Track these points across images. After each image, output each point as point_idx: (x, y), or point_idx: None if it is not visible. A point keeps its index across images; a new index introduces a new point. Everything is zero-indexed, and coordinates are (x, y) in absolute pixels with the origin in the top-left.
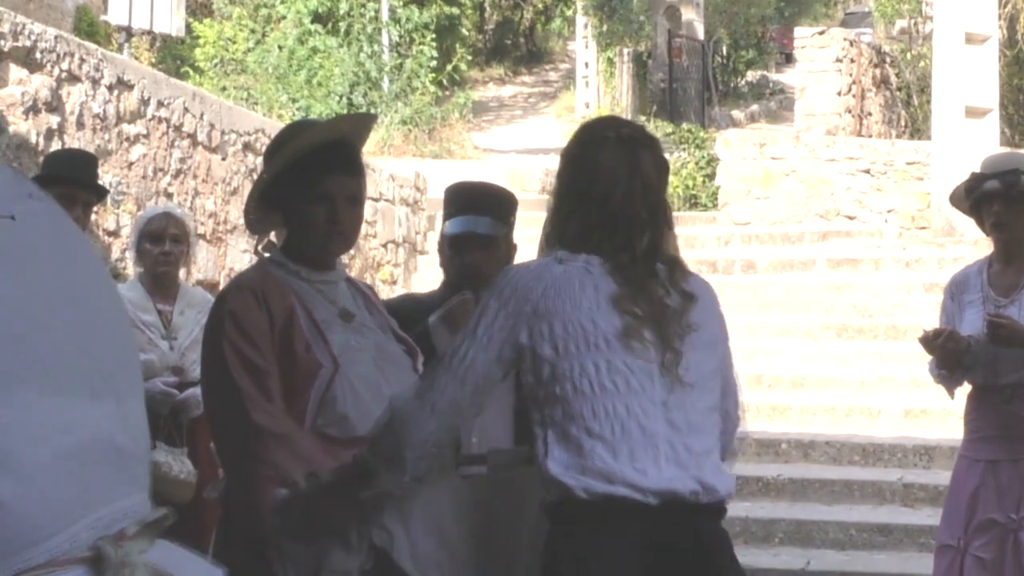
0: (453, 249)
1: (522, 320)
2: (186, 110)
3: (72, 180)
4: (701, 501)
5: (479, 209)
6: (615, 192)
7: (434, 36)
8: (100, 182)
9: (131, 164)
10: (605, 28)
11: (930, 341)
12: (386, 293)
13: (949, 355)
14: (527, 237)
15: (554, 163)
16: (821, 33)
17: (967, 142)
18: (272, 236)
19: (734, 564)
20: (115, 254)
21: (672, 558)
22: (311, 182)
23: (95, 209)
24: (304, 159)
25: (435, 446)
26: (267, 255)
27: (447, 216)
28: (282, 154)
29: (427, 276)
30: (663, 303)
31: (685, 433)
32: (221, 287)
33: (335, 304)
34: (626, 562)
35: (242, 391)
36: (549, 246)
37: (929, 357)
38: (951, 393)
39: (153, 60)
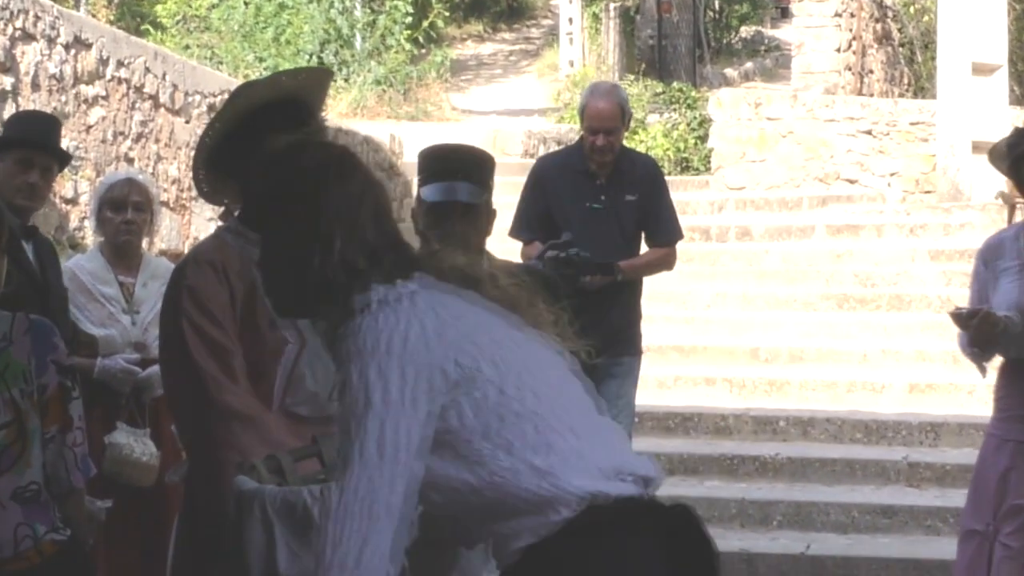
0: (431, 216)
1: (438, 356)
2: (147, 70)
3: (29, 143)
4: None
5: (458, 174)
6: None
7: None
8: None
9: (89, 127)
10: None
11: (964, 320)
12: None
13: (983, 336)
14: (507, 203)
15: (537, 124)
16: None
17: (974, 101)
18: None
19: None
20: (73, 223)
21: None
22: (257, 144)
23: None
24: (248, 121)
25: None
26: (222, 224)
27: (423, 182)
28: (221, 117)
29: None
30: (519, 295)
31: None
32: None
33: None
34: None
35: (205, 372)
36: (356, 288)
37: (951, 329)
38: (983, 371)
39: (112, 17)
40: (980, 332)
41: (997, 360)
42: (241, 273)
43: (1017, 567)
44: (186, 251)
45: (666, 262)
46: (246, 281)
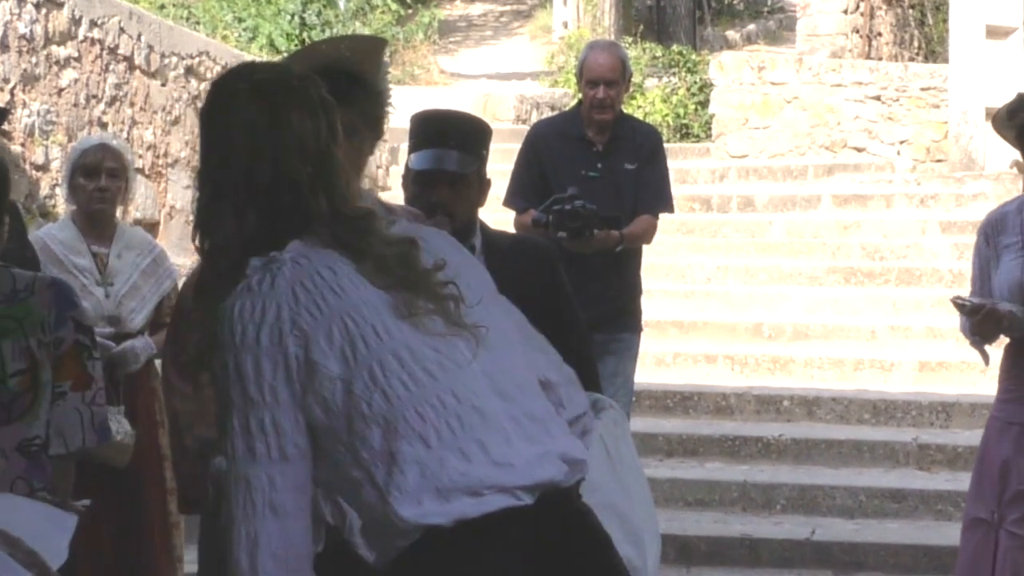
0: (418, 185)
1: (290, 344)
2: (122, 30)
3: None
4: (572, 480)
5: (447, 142)
6: (260, 159)
7: None
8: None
9: (61, 90)
10: None
11: (966, 313)
12: None
13: (985, 330)
14: (498, 171)
15: (530, 88)
16: None
17: (988, 65)
18: None
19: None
20: (44, 190)
21: (562, 563)
22: None
23: (21, 141)
24: None
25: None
26: None
27: (412, 148)
28: None
29: None
30: (405, 261)
31: (520, 400)
32: (162, 227)
33: None
34: None
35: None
36: (223, 256)
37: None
38: (985, 358)
39: None
40: (983, 328)
41: (1003, 340)
42: None
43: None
44: (162, 220)
45: (645, 235)
46: None
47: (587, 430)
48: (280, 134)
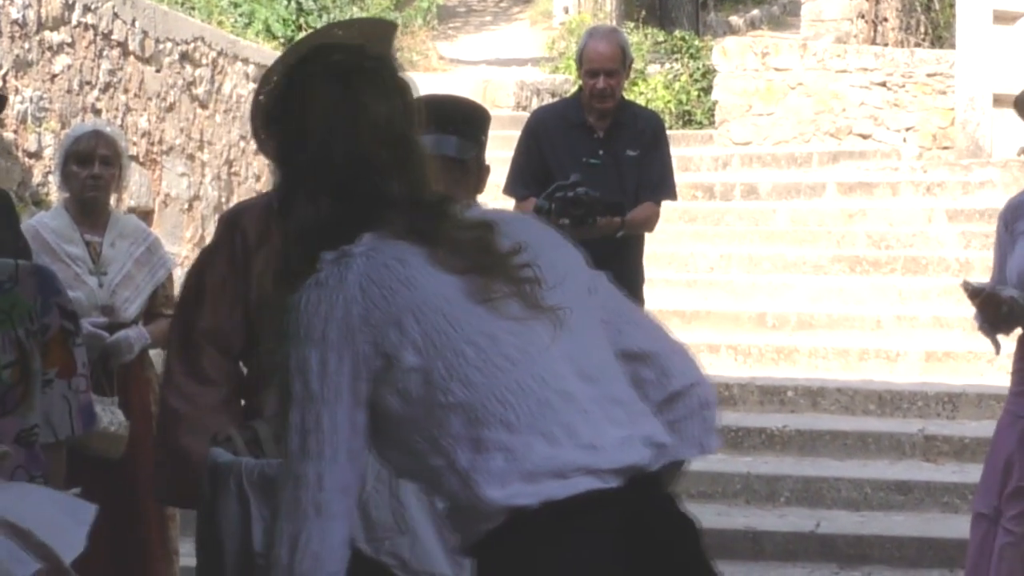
0: None
1: (360, 341)
2: (116, 15)
3: None
4: (657, 464)
5: (445, 127)
6: (336, 141)
7: None
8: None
9: (54, 76)
10: None
11: (969, 296)
12: None
13: (988, 316)
14: (497, 158)
15: (530, 75)
16: None
17: (996, 51)
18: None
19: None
20: (36, 178)
21: (649, 547)
22: None
23: (14, 128)
24: None
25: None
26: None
27: None
28: (271, 76)
29: None
30: (481, 246)
31: (603, 382)
32: (156, 215)
33: None
34: (604, 566)
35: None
36: (298, 246)
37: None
38: (996, 347)
39: None
40: (984, 312)
41: (1018, 332)
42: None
43: (1019, 554)
44: (156, 208)
45: (647, 222)
46: None
47: (706, 402)
48: (356, 116)
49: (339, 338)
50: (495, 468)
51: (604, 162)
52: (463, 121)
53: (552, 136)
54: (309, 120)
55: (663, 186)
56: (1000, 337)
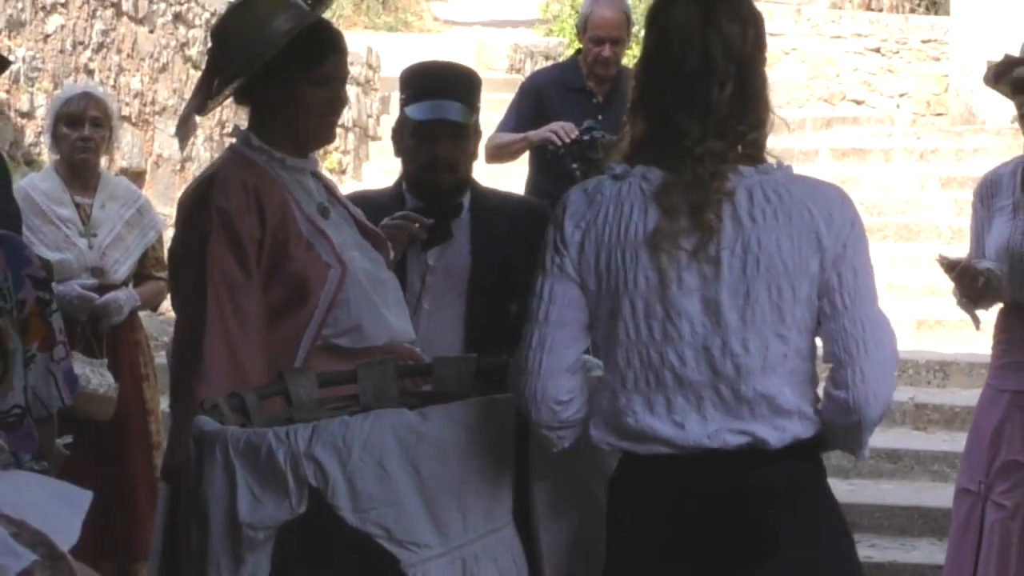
0: (417, 138)
1: (574, 247)
2: None
3: None
4: (741, 450)
5: (448, 93)
6: (690, 51)
7: None
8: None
9: (47, 37)
10: None
11: (945, 269)
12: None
13: (964, 289)
14: (491, 122)
15: (524, 37)
16: None
17: (991, 17)
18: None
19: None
20: (29, 138)
21: (702, 507)
22: (311, 61)
23: (6, 88)
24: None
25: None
26: (235, 140)
27: (409, 100)
28: (269, 42)
29: (380, 165)
30: (712, 204)
31: (734, 378)
32: (148, 176)
33: (312, 197)
34: (649, 508)
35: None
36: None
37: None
38: (976, 321)
39: None
40: (960, 284)
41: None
42: (274, 194)
43: (1013, 528)
44: (148, 169)
45: None
46: (279, 202)
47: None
48: (709, 31)
49: (571, 243)
50: (599, 409)
51: (603, 126)
52: (464, 87)
53: (551, 98)
54: (670, 35)
55: None
56: (980, 313)
